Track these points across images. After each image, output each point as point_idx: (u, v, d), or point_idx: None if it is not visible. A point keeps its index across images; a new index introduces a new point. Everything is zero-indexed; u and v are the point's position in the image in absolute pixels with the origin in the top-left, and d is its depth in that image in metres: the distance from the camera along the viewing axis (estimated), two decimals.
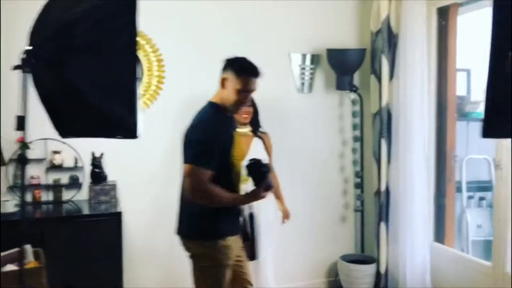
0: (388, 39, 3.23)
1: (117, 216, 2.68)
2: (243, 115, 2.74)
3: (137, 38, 1.82)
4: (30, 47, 1.62)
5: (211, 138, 2.04)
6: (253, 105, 2.85)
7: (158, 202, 3.20)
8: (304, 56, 3.46)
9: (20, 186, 2.72)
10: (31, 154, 2.82)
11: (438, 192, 3.35)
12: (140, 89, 3.13)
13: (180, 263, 3.18)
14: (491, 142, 2.79)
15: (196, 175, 2.00)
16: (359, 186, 3.58)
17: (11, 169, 2.83)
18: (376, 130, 3.39)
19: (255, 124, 2.87)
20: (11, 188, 2.82)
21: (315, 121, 3.58)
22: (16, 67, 1.59)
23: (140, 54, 3.09)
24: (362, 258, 3.55)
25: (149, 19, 3.08)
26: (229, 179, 2.13)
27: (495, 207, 2.79)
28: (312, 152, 3.59)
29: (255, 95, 3.09)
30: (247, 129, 2.84)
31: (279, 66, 3.45)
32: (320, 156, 3.61)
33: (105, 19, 1.71)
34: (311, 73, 3.50)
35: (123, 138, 1.87)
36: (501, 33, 1.80)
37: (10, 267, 2.02)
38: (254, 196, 2.15)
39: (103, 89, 1.75)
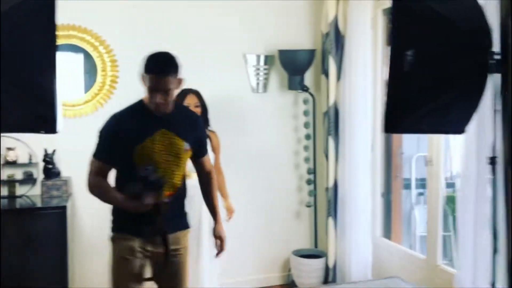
0: (336, 40, 3.34)
1: (63, 210, 2.80)
2: None
3: (56, 38, 1.93)
4: None
5: (109, 132, 2.06)
6: (201, 104, 2.96)
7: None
8: (258, 57, 3.57)
9: None
10: None
11: (386, 189, 3.46)
12: (95, 89, 3.25)
13: None
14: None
15: (90, 165, 2.09)
16: (311, 182, 3.69)
17: None
18: (326, 128, 3.51)
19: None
20: None
21: (270, 120, 3.69)
22: None
23: (94, 54, 3.21)
24: (315, 252, 3.66)
25: (103, 21, 3.23)
26: (132, 178, 1.95)
27: (427, 203, 2.89)
28: (267, 150, 3.70)
29: (210, 94, 3.27)
30: None
31: (234, 66, 3.56)
32: (275, 154, 3.73)
33: (22, 22, 1.83)
34: (266, 74, 3.61)
35: (45, 133, 1.99)
36: (401, 34, 1.91)
37: None
38: (133, 204, 1.95)
39: (23, 88, 1.87)
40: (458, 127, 2.01)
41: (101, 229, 3.28)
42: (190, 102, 2.90)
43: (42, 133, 2.01)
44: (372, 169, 3.36)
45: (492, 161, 1.81)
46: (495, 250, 1.79)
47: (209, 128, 3.06)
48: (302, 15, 3.68)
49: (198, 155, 2.24)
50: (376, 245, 3.37)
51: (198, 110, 2.90)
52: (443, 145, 2.72)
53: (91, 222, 3.29)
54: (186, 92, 2.91)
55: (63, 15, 3.09)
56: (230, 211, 3.09)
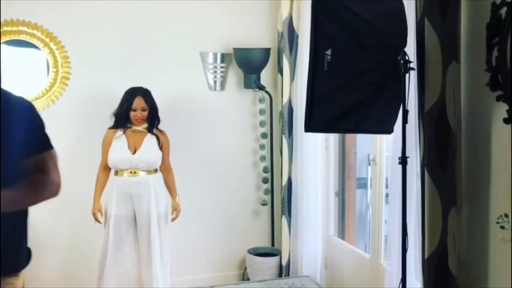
0: (290, 40, 3.34)
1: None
2: (136, 119, 2.90)
3: None
4: None
5: None
6: (151, 105, 2.97)
7: (61, 196, 3.32)
8: (215, 54, 3.58)
9: None
10: None
11: (340, 188, 3.46)
12: (46, 85, 3.25)
13: (79, 254, 3.36)
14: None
15: None
16: (267, 181, 3.70)
17: None
18: (280, 127, 3.52)
19: (151, 122, 3.00)
20: None
21: (228, 119, 3.70)
22: None
23: (45, 51, 3.21)
24: (271, 251, 3.67)
25: (53, 17, 3.23)
26: None
27: (372, 203, 2.90)
28: (226, 148, 3.71)
29: (167, 92, 3.30)
30: (142, 126, 2.97)
31: (191, 64, 3.56)
32: (233, 152, 3.73)
33: None
34: (223, 72, 3.62)
35: None
36: (319, 35, 1.93)
37: None
38: None
39: None
40: (383, 127, 2.02)
41: (56, 225, 3.32)
42: (137, 106, 2.91)
43: None
44: (326, 168, 3.38)
45: (403, 161, 1.82)
46: (404, 247, 1.80)
47: (159, 127, 3.06)
48: (260, 13, 3.68)
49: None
50: (329, 243, 3.38)
51: (144, 114, 2.92)
52: (385, 145, 2.72)
53: (45, 219, 3.30)
54: (133, 93, 2.92)
55: (12, 10, 3.12)
56: (176, 210, 3.10)
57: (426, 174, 1.82)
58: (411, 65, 1.79)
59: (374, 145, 2.79)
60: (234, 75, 3.67)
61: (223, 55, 3.57)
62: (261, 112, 3.66)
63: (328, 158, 3.37)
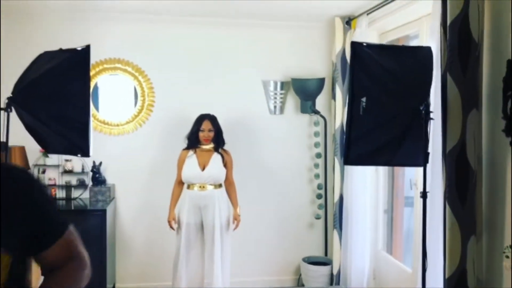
0: (343, 69, 3.69)
1: (103, 212, 3.46)
2: (204, 139, 3.42)
3: (89, 85, 2.54)
4: (11, 95, 2.42)
5: None
6: (216, 128, 3.48)
7: (143, 201, 3.96)
8: (275, 83, 4.02)
9: None
10: (49, 161, 3.72)
11: (389, 206, 3.74)
12: (135, 111, 3.90)
13: (154, 255, 3.96)
14: None
15: None
16: (321, 196, 4.06)
17: (34, 173, 3.75)
18: (333, 148, 3.87)
19: (216, 142, 3.51)
20: None
21: (286, 139, 4.12)
22: (1, 109, 2.39)
23: (135, 83, 3.86)
24: (323, 260, 4.03)
25: (141, 55, 3.87)
26: None
27: (415, 222, 3.16)
28: (284, 166, 4.13)
29: (232, 116, 3.81)
30: (209, 146, 3.49)
31: (254, 91, 4.04)
32: (291, 170, 4.14)
33: (62, 74, 2.46)
34: (282, 97, 4.05)
35: (81, 156, 2.63)
36: (356, 85, 2.31)
37: None
38: None
39: (65, 123, 2.51)
40: (413, 161, 2.34)
41: (138, 229, 3.95)
42: (205, 127, 3.42)
43: (78, 156, 2.65)
44: (375, 188, 3.68)
45: (424, 195, 2.12)
46: (424, 268, 2.10)
47: (224, 147, 3.56)
48: (316, 46, 4.06)
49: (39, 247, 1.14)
50: (377, 257, 3.68)
51: (211, 134, 3.42)
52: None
53: (129, 223, 3.96)
54: (202, 118, 3.45)
55: (110, 51, 3.81)
56: (237, 220, 3.55)
57: (447, 206, 2.11)
58: (432, 114, 2.09)
59: (416, 170, 3.06)
60: (292, 100, 4.09)
61: (282, 83, 4.01)
62: (316, 134, 4.04)
63: (377, 178, 3.67)
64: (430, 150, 2.27)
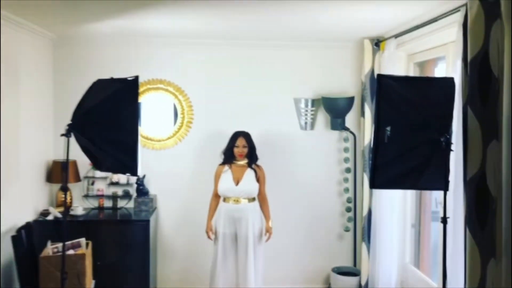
0: (372, 89, 3.83)
1: (147, 222, 3.76)
2: (239, 154, 3.65)
3: (139, 112, 2.82)
4: (71, 122, 2.73)
5: None
6: (250, 144, 3.71)
7: (182, 211, 4.24)
8: (306, 100, 4.21)
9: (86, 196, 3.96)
10: (98, 174, 4.07)
11: (417, 220, 3.86)
12: (175, 128, 4.19)
13: (193, 261, 4.23)
14: None
15: None
16: (350, 210, 4.22)
17: (84, 184, 4.11)
18: (362, 164, 4.02)
19: (250, 158, 3.73)
20: (84, 197, 4.09)
21: (316, 154, 4.31)
22: (62, 135, 2.71)
23: (175, 101, 4.15)
24: (352, 271, 4.19)
25: (182, 76, 4.15)
26: None
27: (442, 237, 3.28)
28: (314, 179, 4.31)
29: (265, 132, 4.04)
30: (243, 162, 3.73)
31: (286, 108, 4.25)
32: (321, 183, 4.32)
33: (115, 102, 2.74)
34: (312, 114, 4.24)
35: (131, 175, 2.92)
36: (381, 115, 2.48)
37: (70, 252, 3.20)
38: None
39: (116, 146, 2.80)
40: (436, 186, 2.49)
41: (177, 237, 4.24)
42: (239, 143, 3.66)
43: (128, 175, 2.94)
44: (403, 203, 3.80)
45: (444, 221, 2.27)
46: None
47: (257, 162, 3.78)
48: (346, 66, 4.23)
49: None
50: (405, 270, 3.80)
51: (245, 150, 3.65)
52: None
53: (169, 231, 4.25)
54: (237, 135, 3.68)
55: (153, 72, 4.11)
56: (269, 232, 3.76)
57: (467, 230, 2.25)
58: (453, 145, 2.23)
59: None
60: (323, 116, 4.27)
61: (313, 101, 4.19)
62: (345, 150, 4.21)
63: (405, 194, 3.79)
64: (452, 174, 2.41)
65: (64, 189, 2.83)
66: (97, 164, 2.99)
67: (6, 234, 3.18)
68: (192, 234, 4.20)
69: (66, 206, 2.92)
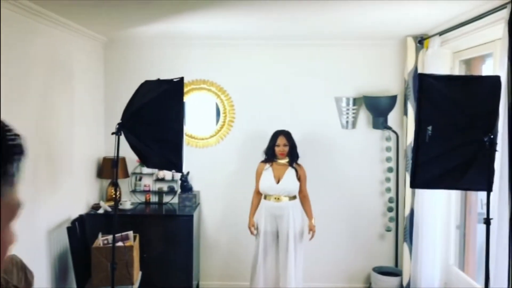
0: (414, 87, 3.77)
1: (190, 217, 3.91)
2: (280, 153, 3.72)
3: (184, 112, 2.94)
4: (120, 121, 2.90)
5: None
6: (290, 143, 3.76)
7: (224, 207, 4.36)
8: (348, 99, 4.20)
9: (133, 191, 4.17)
10: (145, 170, 4.26)
11: (462, 222, 3.76)
12: (217, 126, 4.32)
13: (234, 255, 4.33)
14: None
15: None
16: (392, 209, 4.17)
17: (132, 180, 4.32)
18: (404, 163, 3.96)
19: (291, 157, 3.79)
20: (132, 192, 4.30)
21: (358, 153, 4.29)
22: (113, 133, 2.88)
23: (218, 101, 4.27)
24: (394, 271, 4.15)
25: (224, 76, 4.27)
26: None
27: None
28: (356, 178, 4.30)
29: (307, 131, 4.07)
30: (284, 161, 3.78)
31: (327, 107, 4.26)
32: (362, 182, 4.30)
33: (161, 102, 2.89)
34: (354, 113, 4.23)
35: (176, 172, 3.05)
36: (422, 114, 2.46)
37: (119, 243, 3.39)
38: None
39: (162, 144, 2.94)
40: (479, 187, 2.44)
41: (219, 233, 4.37)
42: (280, 142, 3.72)
43: (173, 172, 3.08)
44: (447, 204, 3.72)
45: (487, 222, 2.22)
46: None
47: (298, 161, 3.82)
48: (388, 64, 4.17)
49: None
50: (448, 272, 3.72)
51: (286, 149, 3.71)
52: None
53: (212, 227, 4.38)
54: (278, 134, 3.74)
55: (197, 73, 4.24)
56: (312, 230, 3.80)
57: None
58: (497, 145, 2.19)
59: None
60: (364, 115, 4.25)
61: (354, 100, 4.18)
62: (388, 149, 4.16)
63: (449, 194, 3.71)
64: (497, 175, 2.35)
65: (115, 185, 3.00)
66: (144, 161, 3.15)
67: (62, 225, 3.41)
68: (234, 230, 4.31)
69: (116, 201, 3.09)
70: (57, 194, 3.35)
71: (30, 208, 2.94)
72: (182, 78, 2.89)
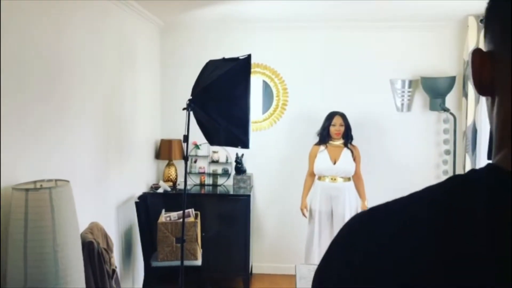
0: None
1: (247, 197, 3.97)
2: (335, 133, 3.72)
3: (250, 89, 3.00)
4: (191, 97, 2.98)
5: None
6: (346, 123, 3.76)
7: (275, 189, 4.40)
8: (403, 81, 4.16)
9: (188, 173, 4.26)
10: (200, 152, 4.35)
11: None
12: (271, 110, 4.36)
13: (285, 236, 4.37)
14: None
15: None
16: None
17: (188, 162, 4.40)
18: (464, 146, 3.90)
19: (346, 138, 3.79)
20: (187, 174, 4.39)
21: (413, 136, 4.24)
22: (184, 108, 2.96)
23: (271, 84, 4.31)
24: None
25: (277, 59, 4.30)
26: None
27: None
28: (410, 161, 4.26)
29: (360, 113, 4.07)
30: (339, 142, 3.79)
31: (382, 89, 4.23)
32: (417, 165, 4.25)
33: (229, 79, 2.94)
34: (409, 95, 4.18)
35: (242, 148, 3.11)
36: None
37: (180, 220, 3.48)
38: None
39: (230, 120, 3.00)
40: None
41: (271, 215, 4.42)
42: (336, 122, 3.72)
43: (239, 147, 3.14)
44: None
45: None
46: None
47: (352, 142, 3.82)
48: (447, 43, 4.11)
49: None
50: None
51: (342, 129, 3.71)
52: None
53: (263, 208, 4.44)
54: (333, 114, 3.75)
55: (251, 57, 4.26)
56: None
57: None
58: None
59: None
60: (420, 98, 4.20)
61: (410, 82, 4.14)
62: (445, 131, 4.10)
63: None
64: None
65: (185, 159, 3.08)
66: (209, 138, 3.22)
67: (127, 202, 3.53)
68: (285, 211, 4.35)
69: (186, 174, 3.16)
70: (123, 173, 3.46)
71: (104, 185, 3.06)
72: (249, 55, 2.94)
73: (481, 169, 0.52)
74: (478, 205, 0.47)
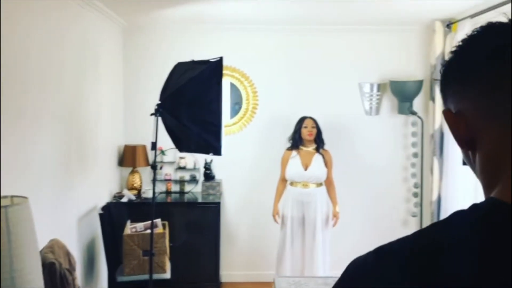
0: None
1: (217, 205, 3.83)
2: (308, 134, 3.66)
3: (222, 94, 2.87)
4: (159, 102, 2.82)
5: None
6: (317, 128, 3.71)
7: (246, 196, 4.30)
8: (372, 85, 4.17)
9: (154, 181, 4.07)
10: (166, 158, 4.17)
11: None
12: (241, 113, 4.24)
13: (257, 244, 4.27)
14: None
15: None
16: (417, 195, 4.16)
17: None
18: (431, 149, 3.95)
19: (318, 143, 3.74)
20: (152, 181, 4.19)
21: (381, 139, 4.26)
22: (152, 114, 2.79)
23: (241, 88, 4.20)
24: None
25: (247, 62, 4.20)
26: None
27: None
28: (379, 164, 4.28)
29: (329, 116, 4.03)
30: (312, 147, 3.73)
31: (351, 93, 4.22)
32: (386, 169, 4.28)
33: (200, 83, 2.81)
34: (378, 99, 4.20)
35: (214, 154, 2.98)
36: None
37: (149, 231, 3.29)
38: None
39: (202, 126, 2.86)
40: None
41: (242, 222, 4.30)
42: (308, 124, 3.67)
43: (210, 154, 3.00)
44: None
45: None
46: None
47: (324, 147, 3.78)
48: (414, 48, 4.16)
49: None
50: None
51: (314, 131, 3.66)
52: None
53: (234, 215, 4.32)
54: (304, 117, 3.70)
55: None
56: (336, 217, 3.77)
57: None
58: None
59: None
60: (388, 101, 4.22)
61: (379, 85, 4.15)
62: (413, 134, 4.15)
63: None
64: None
65: (154, 167, 2.91)
66: (178, 145, 3.07)
67: (89, 213, 3.31)
68: (256, 219, 4.25)
69: (154, 183, 2.99)
70: (85, 181, 3.24)
71: (64, 196, 2.84)
72: (221, 58, 2.82)
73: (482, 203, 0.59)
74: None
